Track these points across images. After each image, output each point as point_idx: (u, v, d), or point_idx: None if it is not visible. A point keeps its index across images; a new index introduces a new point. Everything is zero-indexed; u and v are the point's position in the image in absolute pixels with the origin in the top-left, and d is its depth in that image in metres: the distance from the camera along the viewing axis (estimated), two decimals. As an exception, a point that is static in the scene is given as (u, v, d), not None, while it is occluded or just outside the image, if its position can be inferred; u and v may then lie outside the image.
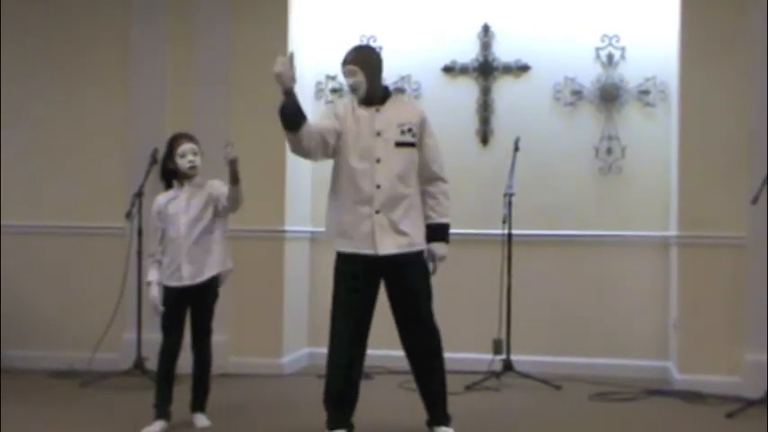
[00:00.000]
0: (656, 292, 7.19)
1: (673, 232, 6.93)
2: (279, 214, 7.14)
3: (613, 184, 7.35)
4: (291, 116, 4.81)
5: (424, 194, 5.05)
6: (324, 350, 7.46)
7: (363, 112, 5.05)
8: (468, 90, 7.47)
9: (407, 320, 5.03)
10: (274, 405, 6.12)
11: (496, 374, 6.71)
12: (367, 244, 4.97)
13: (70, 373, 6.91)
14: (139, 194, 6.70)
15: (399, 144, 4.99)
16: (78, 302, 7.30)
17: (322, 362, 7.36)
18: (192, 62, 7.20)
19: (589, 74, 7.37)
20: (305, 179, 7.58)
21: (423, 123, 5.05)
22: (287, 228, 7.16)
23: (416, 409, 5.23)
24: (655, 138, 7.28)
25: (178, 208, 5.35)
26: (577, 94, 7.40)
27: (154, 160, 6.92)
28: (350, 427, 5.11)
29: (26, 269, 7.36)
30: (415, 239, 5.00)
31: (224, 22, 7.18)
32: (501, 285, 6.73)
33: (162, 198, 5.44)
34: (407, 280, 5.01)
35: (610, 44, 7.34)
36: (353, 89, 5.07)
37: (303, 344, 7.57)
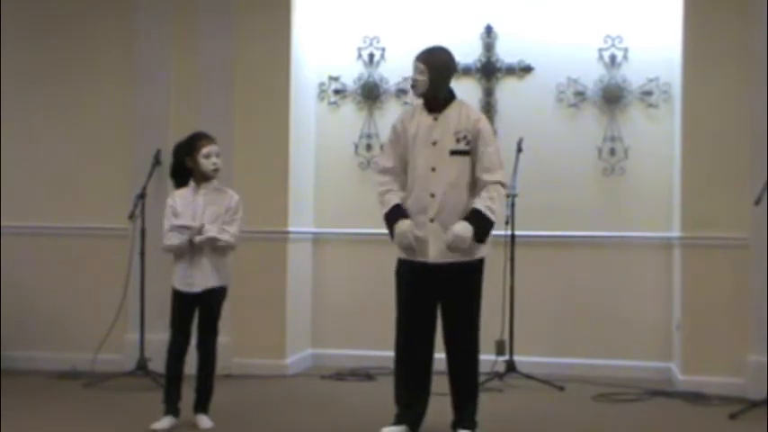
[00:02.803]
0: (658, 292, 7.18)
1: (676, 233, 6.93)
2: (282, 215, 7.14)
3: (616, 185, 7.35)
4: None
5: (480, 190, 5.00)
6: (326, 351, 7.62)
7: (423, 120, 5.10)
8: (470, 91, 7.45)
9: (449, 324, 5.09)
10: (278, 406, 6.12)
11: (499, 375, 6.71)
12: (424, 253, 5.03)
13: (73, 375, 6.91)
14: (142, 195, 6.71)
15: (454, 152, 5.02)
16: (81, 303, 7.30)
17: (325, 363, 7.47)
18: (196, 64, 7.19)
19: (592, 75, 7.37)
20: (308, 180, 7.59)
21: (477, 130, 5.03)
22: (290, 229, 7.16)
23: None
24: (658, 139, 7.28)
25: (194, 214, 5.36)
26: (580, 95, 7.40)
27: (157, 162, 6.95)
28: (414, 424, 5.12)
29: (28, 270, 7.35)
30: (467, 249, 4.98)
31: (227, 25, 7.18)
32: (504, 286, 6.72)
33: (179, 198, 5.43)
34: (456, 287, 5.04)
35: (613, 45, 7.34)
36: (413, 85, 5.14)
37: (306, 345, 7.57)
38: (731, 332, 6.49)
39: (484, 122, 5.10)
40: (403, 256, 5.12)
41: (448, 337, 5.10)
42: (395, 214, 5.06)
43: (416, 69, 5.10)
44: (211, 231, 5.34)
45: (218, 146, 5.42)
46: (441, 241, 4.99)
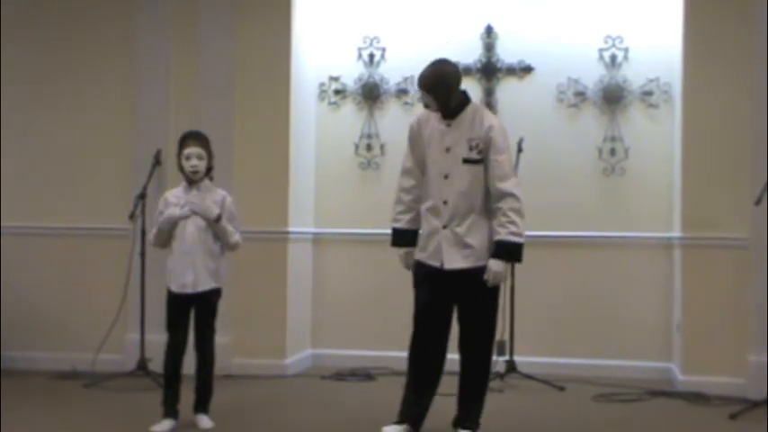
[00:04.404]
0: (659, 293, 7.18)
1: (676, 233, 6.93)
2: (282, 215, 7.14)
3: (617, 185, 7.35)
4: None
5: (496, 211, 4.97)
6: (326, 351, 7.62)
7: (436, 126, 5.12)
8: (471, 91, 7.16)
9: (464, 328, 5.08)
10: (277, 406, 6.12)
11: (500, 375, 6.71)
12: (435, 257, 5.05)
13: (73, 375, 6.91)
14: (142, 196, 6.71)
15: (466, 161, 5.02)
16: (81, 303, 7.30)
17: (325, 363, 7.48)
18: (196, 64, 7.19)
19: (592, 75, 7.37)
20: (308, 180, 7.59)
21: (489, 138, 5.00)
22: (290, 229, 7.16)
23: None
24: (658, 139, 7.28)
25: (187, 215, 5.37)
26: (581, 95, 7.40)
27: (157, 162, 6.95)
28: (416, 421, 5.10)
29: (29, 270, 7.35)
30: (481, 254, 4.99)
31: (228, 25, 7.17)
32: (504, 286, 6.67)
33: (170, 196, 5.45)
34: (470, 294, 5.02)
35: (613, 45, 7.34)
36: (426, 106, 5.18)
37: (306, 345, 7.57)
38: (731, 332, 6.48)
39: (496, 130, 5.04)
40: (418, 257, 5.13)
41: (462, 340, 5.09)
42: (398, 237, 5.22)
43: (422, 95, 5.16)
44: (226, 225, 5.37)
45: (200, 147, 5.37)
46: (454, 248, 5.00)
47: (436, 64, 5.15)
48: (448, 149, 5.04)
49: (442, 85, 5.05)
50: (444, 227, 5.02)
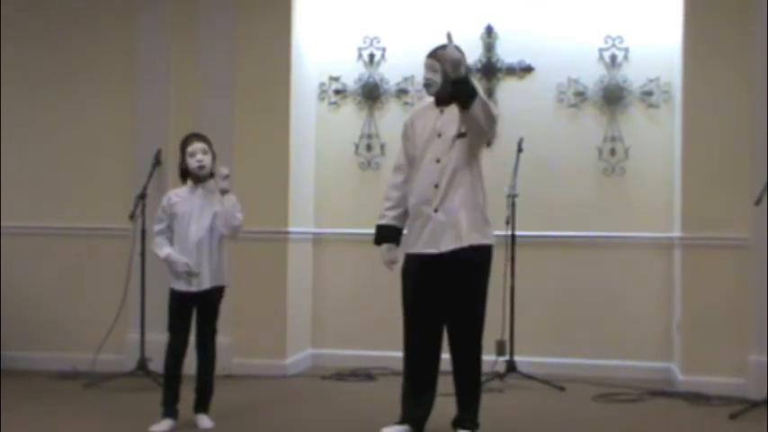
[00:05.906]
0: (659, 293, 7.18)
1: (676, 233, 6.93)
2: (282, 215, 7.14)
3: (617, 185, 7.35)
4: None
5: None
6: (326, 351, 7.62)
7: (430, 114, 5.15)
8: None
9: (452, 316, 5.06)
10: (278, 406, 6.11)
11: (500, 375, 6.71)
12: (430, 244, 5.03)
13: (73, 375, 6.91)
14: (143, 196, 6.71)
15: (456, 137, 5.02)
16: (81, 303, 7.30)
17: (325, 363, 7.48)
18: (196, 64, 7.19)
19: (592, 75, 7.37)
20: (308, 180, 7.59)
21: None
22: (290, 229, 7.16)
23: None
24: (658, 139, 7.28)
25: (190, 214, 5.38)
26: (581, 95, 7.40)
27: (157, 162, 6.96)
28: (418, 423, 5.10)
29: (29, 270, 7.35)
30: (467, 233, 4.97)
31: (228, 25, 7.17)
32: (504, 286, 6.72)
33: (173, 195, 5.47)
34: (462, 282, 5.01)
35: (613, 45, 7.34)
36: (427, 84, 5.15)
37: (306, 345, 7.57)
38: (731, 332, 6.49)
39: None
40: (409, 250, 5.13)
41: (452, 335, 5.08)
42: (381, 233, 5.25)
43: (430, 68, 5.11)
44: (230, 204, 5.36)
45: (205, 143, 5.40)
46: (446, 229, 4.97)
47: (454, 46, 5.06)
48: (440, 134, 5.06)
49: (452, 60, 4.96)
50: (435, 210, 5.01)
